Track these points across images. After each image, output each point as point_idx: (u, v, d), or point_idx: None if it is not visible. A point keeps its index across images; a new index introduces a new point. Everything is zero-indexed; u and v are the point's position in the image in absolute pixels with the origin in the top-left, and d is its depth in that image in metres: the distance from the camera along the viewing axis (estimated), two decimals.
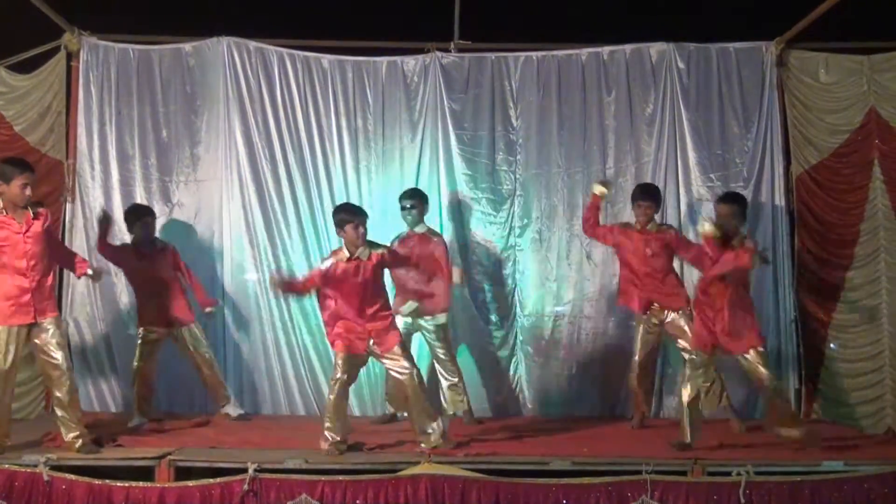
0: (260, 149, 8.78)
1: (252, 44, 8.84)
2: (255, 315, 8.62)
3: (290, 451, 6.60)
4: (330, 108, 8.84)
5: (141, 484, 6.12)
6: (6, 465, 6.14)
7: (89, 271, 7.06)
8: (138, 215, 8.01)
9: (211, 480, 6.11)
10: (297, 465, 6.25)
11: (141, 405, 7.85)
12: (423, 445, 6.72)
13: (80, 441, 6.55)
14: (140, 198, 8.67)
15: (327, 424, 6.73)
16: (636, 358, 7.81)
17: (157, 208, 8.61)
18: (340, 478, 6.09)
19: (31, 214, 6.59)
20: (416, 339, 8.16)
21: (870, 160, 8.34)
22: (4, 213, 6.50)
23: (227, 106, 8.77)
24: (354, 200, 8.62)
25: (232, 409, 8.07)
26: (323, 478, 6.08)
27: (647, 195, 7.79)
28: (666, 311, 7.63)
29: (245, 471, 6.06)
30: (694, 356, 6.98)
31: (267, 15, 8.63)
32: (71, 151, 8.71)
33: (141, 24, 8.78)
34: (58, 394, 6.62)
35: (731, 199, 7.16)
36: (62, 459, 6.29)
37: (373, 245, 6.88)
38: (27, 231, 6.52)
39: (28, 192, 6.52)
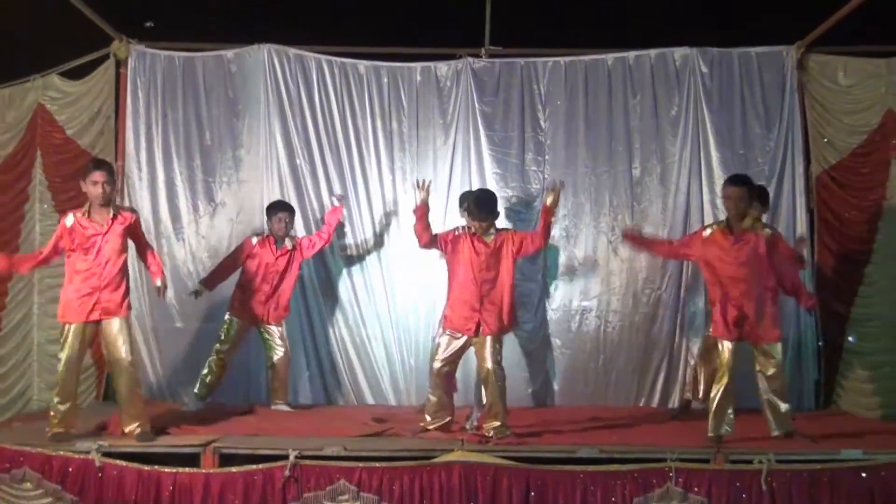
0: (299, 150, 8.96)
1: (292, 50, 9.03)
2: (293, 309, 8.62)
3: (329, 438, 6.67)
4: (366, 111, 9.01)
5: (187, 470, 6.23)
6: (61, 452, 6.28)
7: (158, 282, 7.15)
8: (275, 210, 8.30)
9: (253, 467, 6.20)
10: (335, 452, 6.33)
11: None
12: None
13: (139, 430, 6.72)
14: (185, 198, 8.91)
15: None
16: None
17: (202, 207, 8.92)
18: (377, 464, 6.15)
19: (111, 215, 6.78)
20: None
21: (887, 159, 8.42)
22: (85, 216, 6.73)
23: (267, 110, 8.96)
24: (389, 200, 8.95)
25: (283, 407, 8.20)
26: (360, 464, 6.14)
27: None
28: None
29: (286, 457, 6.15)
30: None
31: (306, 23, 8.75)
32: (119, 154, 8.93)
33: (185, 32, 8.99)
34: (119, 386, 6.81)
35: (738, 182, 6.94)
36: (114, 446, 6.43)
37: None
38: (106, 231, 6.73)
39: (100, 189, 6.69)
